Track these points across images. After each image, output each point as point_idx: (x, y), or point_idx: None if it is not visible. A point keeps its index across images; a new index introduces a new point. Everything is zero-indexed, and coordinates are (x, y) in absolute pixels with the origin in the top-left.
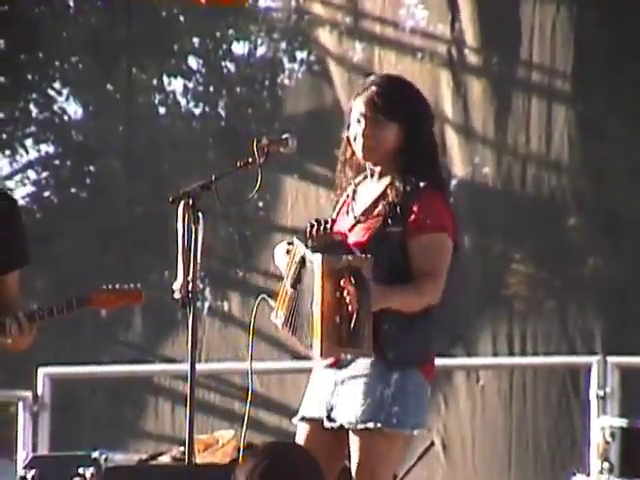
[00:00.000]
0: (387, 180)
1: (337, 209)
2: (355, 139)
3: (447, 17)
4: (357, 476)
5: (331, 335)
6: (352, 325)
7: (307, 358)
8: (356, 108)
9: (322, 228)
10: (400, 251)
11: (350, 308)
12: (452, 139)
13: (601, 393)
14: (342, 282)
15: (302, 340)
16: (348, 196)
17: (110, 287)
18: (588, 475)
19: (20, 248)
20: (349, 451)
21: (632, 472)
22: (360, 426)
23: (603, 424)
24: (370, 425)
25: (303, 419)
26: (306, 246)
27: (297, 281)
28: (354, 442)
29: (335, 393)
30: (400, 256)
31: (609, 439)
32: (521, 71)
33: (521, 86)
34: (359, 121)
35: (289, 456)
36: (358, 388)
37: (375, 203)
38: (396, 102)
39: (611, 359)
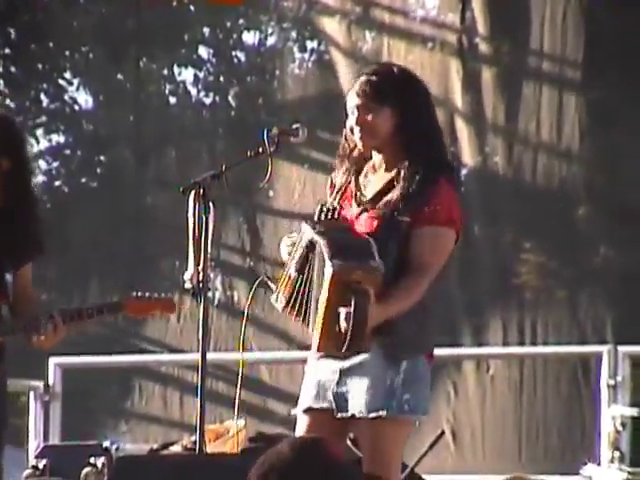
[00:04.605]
0: (394, 170)
1: (338, 198)
2: (352, 132)
3: (457, 6)
4: (371, 463)
5: (330, 338)
6: (348, 335)
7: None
8: (349, 101)
9: (330, 213)
10: (408, 241)
11: (346, 322)
12: (462, 128)
13: (612, 382)
14: (348, 295)
15: (307, 324)
16: (349, 186)
17: (142, 294)
18: (599, 464)
19: (36, 239)
20: (352, 440)
21: None
22: (372, 415)
23: (614, 413)
24: (383, 413)
25: (309, 410)
26: (314, 229)
27: (303, 265)
28: (366, 430)
29: (342, 382)
30: (407, 246)
31: (620, 428)
32: (532, 60)
33: (532, 75)
34: (353, 113)
35: (311, 454)
36: (368, 377)
37: (382, 192)
38: (384, 86)
39: (622, 348)
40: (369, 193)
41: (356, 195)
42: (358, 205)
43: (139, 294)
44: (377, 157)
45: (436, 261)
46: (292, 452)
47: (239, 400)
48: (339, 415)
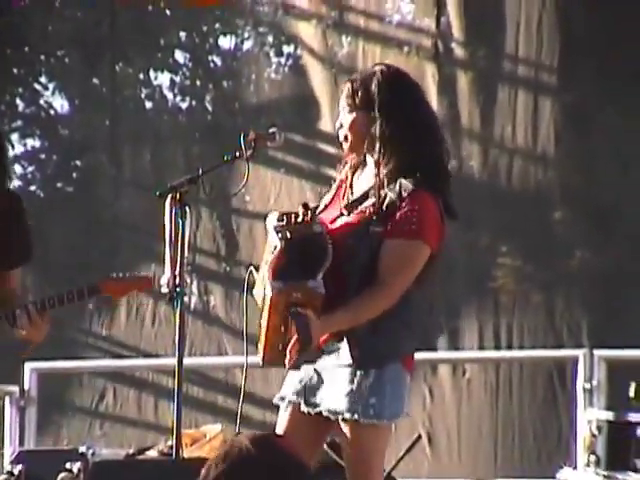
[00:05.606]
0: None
1: (330, 198)
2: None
3: (433, 11)
4: (347, 463)
5: (273, 356)
6: (291, 354)
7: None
8: (339, 105)
9: (300, 218)
10: (379, 251)
11: (291, 345)
12: None
13: (588, 386)
14: (288, 317)
15: None
16: (343, 186)
17: (120, 275)
18: (575, 468)
19: (26, 245)
20: (328, 443)
21: (618, 465)
22: (339, 417)
23: (590, 417)
24: (347, 416)
25: (282, 399)
26: (277, 233)
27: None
28: (343, 431)
29: (316, 379)
30: (378, 256)
31: (596, 432)
32: (507, 64)
33: (507, 79)
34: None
35: (262, 451)
36: (339, 377)
37: (362, 198)
38: (360, 91)
39: (598, 352)
40: (355, 195)
41: (345, 195)
42: (344, 206)
43: (117, 275)
44: (369, 158)
45: (401, 275)
46: (241, 450)
47: (241, 407)
48: (305, 410)
